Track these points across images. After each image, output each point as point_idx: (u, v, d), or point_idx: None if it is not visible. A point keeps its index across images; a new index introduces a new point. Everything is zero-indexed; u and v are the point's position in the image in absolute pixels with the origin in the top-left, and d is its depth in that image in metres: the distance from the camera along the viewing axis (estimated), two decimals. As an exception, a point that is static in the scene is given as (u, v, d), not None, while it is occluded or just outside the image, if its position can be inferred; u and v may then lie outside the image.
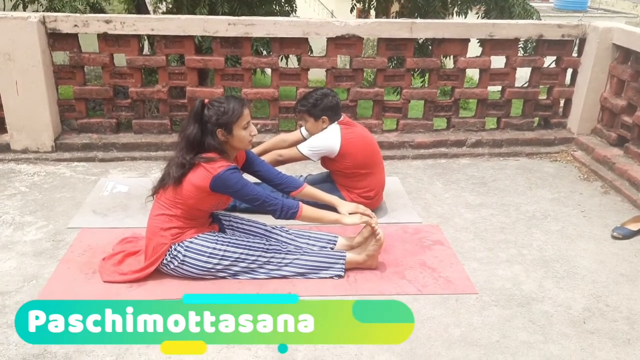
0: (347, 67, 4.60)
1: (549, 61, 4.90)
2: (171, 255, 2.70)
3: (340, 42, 4.40)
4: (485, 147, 4.69)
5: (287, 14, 7.96)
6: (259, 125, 4.48)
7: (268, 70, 5.08)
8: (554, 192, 3.99)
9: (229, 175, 2.62)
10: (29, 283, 2.71)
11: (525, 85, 4.95)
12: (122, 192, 3.75)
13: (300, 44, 4.44)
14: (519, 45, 4.73)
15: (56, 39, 4.18)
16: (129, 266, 2.78)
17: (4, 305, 2.53)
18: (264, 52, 5.41)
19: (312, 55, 4.63)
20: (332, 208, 2.96)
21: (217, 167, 2.61)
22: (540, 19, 8.06)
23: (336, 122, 3.40)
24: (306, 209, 2.78)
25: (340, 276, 2.82)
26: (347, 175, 3.43)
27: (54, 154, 4.27)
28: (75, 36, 4.21)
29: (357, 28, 4.35)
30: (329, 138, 3.35)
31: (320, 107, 3.35)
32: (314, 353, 2.30)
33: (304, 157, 3.42)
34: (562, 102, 5.01)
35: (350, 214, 2.89)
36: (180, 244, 2.70)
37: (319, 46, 5.53)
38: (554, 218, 3.59)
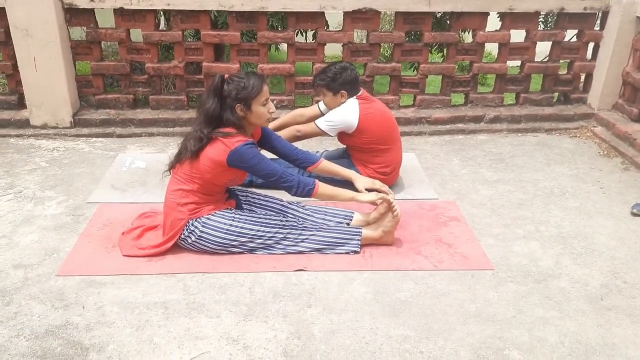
0: (364, 41, 4.56)
1: (570, 35, 4.81)
2: (189, 231, 2.73)
3: (356, 16, 4.36)
4: (503, 122, 4.65)
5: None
6: (275, 101, 4.47)
7: (283, 46, 5.05)
8: (572, 168, 3.95)
9: (245, 150, 2.62)
10: (50, 256, 2.76)
11: (545, 59, 4.87)
12: (140, 168, 3.78)
13: (316, 19, 4.40)
14: (540, 19, 4.63)
15: (73, 14, 4.19)
16: (148, 241, 2.82)
17: (26, 278, 2.59)
18: (279, 28, 5.35)
19: (328, 30, 4.59)
20: (349, 183, 2.97)
21: (235, 142, 2.62)
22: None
23: (355, 97, 3.38)
24: (322, 187, 2.78)
25: (356, 252, 2.83)
26: (364, 151, 3.42)
27: (72, 129, 4.31)
28: (91, 11, 4.22)
29: (374, 2, 4.29)
30: (346, 113, 3.33)
31: (339, 81, 3.32)
32: (330, 327, 2.32)
33: (321, 133, 3.40)
34: (582, 77, 4.93)
35: (366, 189, 2.89)
36: (198, 219, 2.72)
37: (335, 21, 5.48)
38: (573, 194, 3.56)
